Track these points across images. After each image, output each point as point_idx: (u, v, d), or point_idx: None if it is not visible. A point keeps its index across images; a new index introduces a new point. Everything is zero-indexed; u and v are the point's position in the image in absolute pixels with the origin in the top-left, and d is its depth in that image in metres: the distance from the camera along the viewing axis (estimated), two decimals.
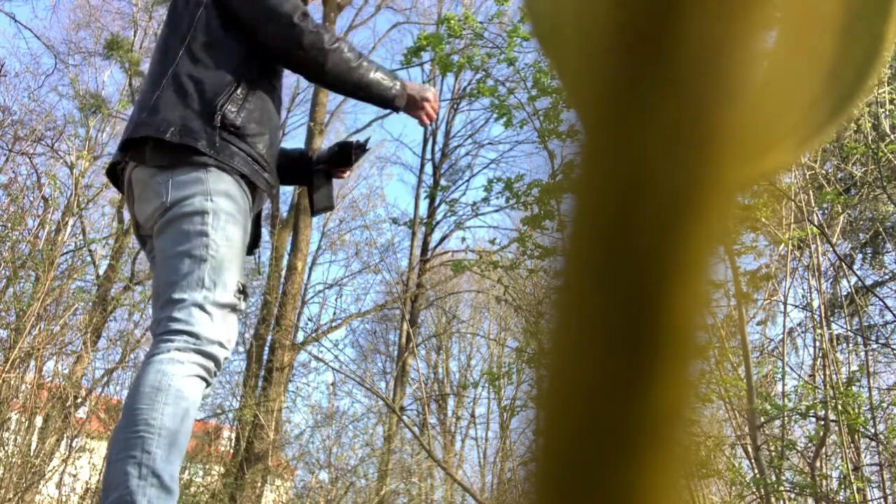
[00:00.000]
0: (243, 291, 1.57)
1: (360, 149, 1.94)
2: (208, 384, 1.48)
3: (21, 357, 5.25)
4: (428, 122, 1.88)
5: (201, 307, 1.47)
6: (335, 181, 2.01)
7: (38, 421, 5.95)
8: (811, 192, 3.79)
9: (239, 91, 1.61)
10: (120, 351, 7.92)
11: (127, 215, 12.44)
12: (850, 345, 5.29)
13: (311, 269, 11.56)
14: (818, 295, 3.97)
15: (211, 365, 1.47)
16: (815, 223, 3.78)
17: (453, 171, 13.21)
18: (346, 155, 1.94)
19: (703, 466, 0.18)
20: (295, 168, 1.96)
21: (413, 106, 1.83)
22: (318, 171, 1.95)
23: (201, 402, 1.53)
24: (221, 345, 1.48)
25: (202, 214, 1.51)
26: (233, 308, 1.53)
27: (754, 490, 3.41)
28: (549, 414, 0.18)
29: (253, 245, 1.89)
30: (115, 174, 1.70)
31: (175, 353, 1.42)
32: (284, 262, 10.46)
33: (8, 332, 5.41)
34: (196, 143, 1.53)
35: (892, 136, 3.78)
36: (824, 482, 3.85)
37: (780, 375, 3.92)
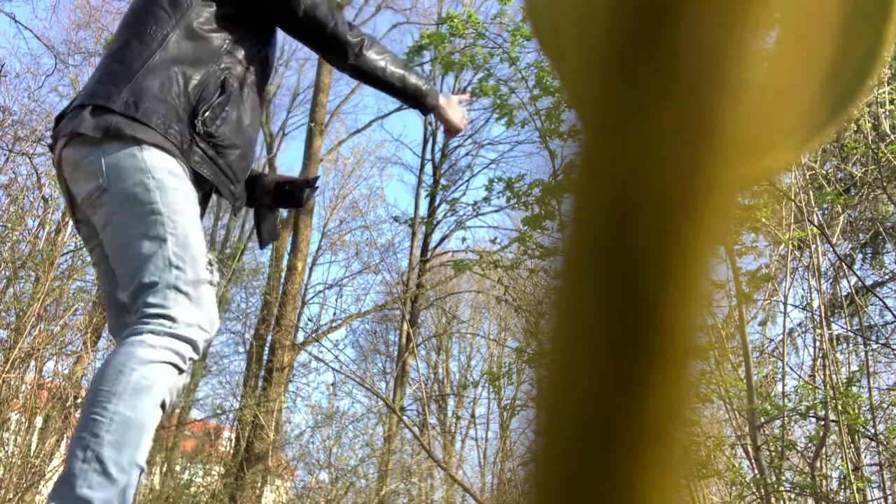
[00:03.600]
0: (212, 264, 1.49)
1: (311, 187, 1.87)
2: (182, 371, 1.40)
3: (21, 357, 5.25)
4: (452, 135, 1.90)
5: (176, 288, 1.40)
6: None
7: (38, 421, 5.95)
8: (811, 192, 3.79)
9: (222, 98, 1.56)
10: None
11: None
12: (850, 345, 5.29)
13: (311, 269, 11.57)
14: (818, 295, 3.97)
15: (187, 350, 1.40)
16: (815, 223, 3.78)
17: (453, 172, 13.22)
18: (298, 197, 1.87)
19: (703, 466, 0.18)
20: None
21: (449, 113, 1.83)
22: (262, 205, 1.88)
23: (175, 392, 1.46)
24: (201, 327, 1.42)
25: (147, 192, 1.43)
26: (209, 283, 1.45)
27: (754, 490, 3.41)
28: (549, 414, 0.18)
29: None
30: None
31: (148, 335, 1.36)
32: (284, 262, 10.46)
33: (8, 333, 5.41)
34: (176, 143, 1.48)
35: (892, 136, 3.78)
36: (824, 482, 3.85)
37: (780, 376, 3.92)
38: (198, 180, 1.56)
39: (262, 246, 1.93)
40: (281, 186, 1.87)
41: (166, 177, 1.45)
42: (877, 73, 0.24)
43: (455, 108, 1.85)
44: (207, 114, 1.53)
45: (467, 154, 13.35)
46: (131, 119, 1.45)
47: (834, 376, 3.79)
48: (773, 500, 3.36)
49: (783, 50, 0.20)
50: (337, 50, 1.69)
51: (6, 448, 5.46)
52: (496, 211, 10.43)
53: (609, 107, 0.18)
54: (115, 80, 1.49)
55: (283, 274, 10.29)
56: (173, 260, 1.41)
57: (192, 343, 1.40)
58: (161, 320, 1.37)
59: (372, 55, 1.70)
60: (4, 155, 6.20)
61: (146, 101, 1.47)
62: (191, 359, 1.42)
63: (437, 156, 13.17)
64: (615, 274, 0.18)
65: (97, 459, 1.27)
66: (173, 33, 1.55)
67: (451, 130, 1.88)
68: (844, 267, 4.74)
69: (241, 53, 1.61)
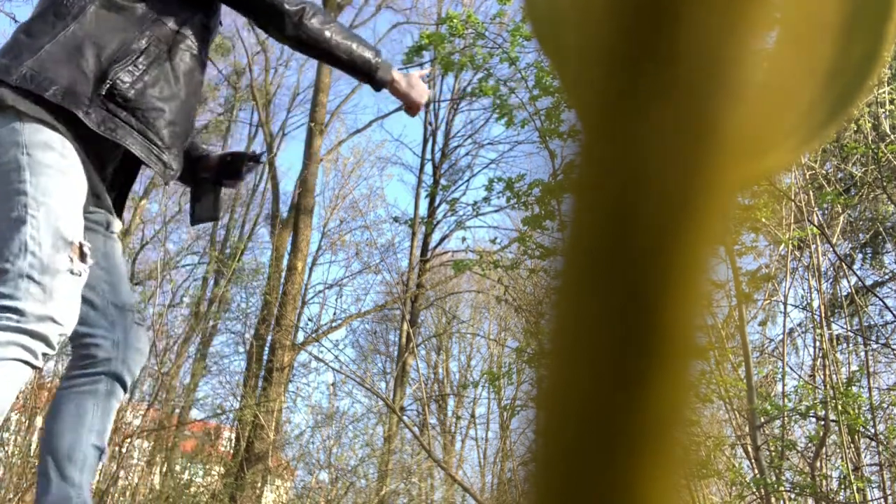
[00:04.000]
0: (82, 252, 1.39)
1: (255, 161, 1.79)
2: (35, 367, 1.33)
3: None
4: (414, 112, 1.77)
5: (29, 277, 1.30)
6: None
7: (39, 421, 5.95)
8: (811, 192, 3.79)
9: (141, 59, 1.45)
10: None
11: (128, 215, 12.45)
12: (850, 345, 5.29)
13: (311, 269, 11.56)
14: (818, 295, 3.97)
15: (39, 346, 1.32)
16: (815, 223, 3.78)
17: (453, 172, 13.21)
18: (237, 168, 1.77)
19: (703, 466, 0.18)
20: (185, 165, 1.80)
21: (406, 88, 1.70)
22: (204, 179, 1.79)
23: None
24: (53, 320, 1.32)
25: (18, 170, 1.34)
26: (69, 272, 1.35)
27: (754, 490, 3.41)
28: (549, 414, 0.18)
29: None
30: None
31: None
32: (284, 262, 10.47)
33: None
34: (77, 109, 1.38)
35: (892, 136, 3.78)
36: (824, 482, 3.85)
37: (780, 375, 3.92)
38: (111, 147, 1.48)
39: (192, 222, 1.81)
40: (223, 159, 1.79)
41: (42, 154, 1.36)
42: (877, 73, 0.24)
43: (414, 83, 1.72)
44: (120, 75, 1.43)
45: (467, 154, 13.36)
46: (23, 91, 1.37)
47: (834, 376, 3.79)
48: (773, 500, 3.36)
49: (783, 50, 0.20)
50: (273, 18, 1.58)
51: (6, 448, 5.46)
52: (496, 211, 10.42)
53: (609, 107, 0.18)
54: (18, 52, 1.42)
55: (283, 274, 10.29)
56: (29, 245, 1.32)
57: (43, 338, 1.32)
58: (9, 314, 1.29)
59: (314, 24, 1.58)
60: None
61: (46, 72, 1.39)
62: (44, 354, 1.34)
63: (437, 156, 13.18)
64: (615, 274, 0.18)
65: None
66: (91, 5, 1.46)
67: (412, 107, 1.75)
68: (844, 267, 4.74)
69: (170, 20, 1.52)
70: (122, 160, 1.60)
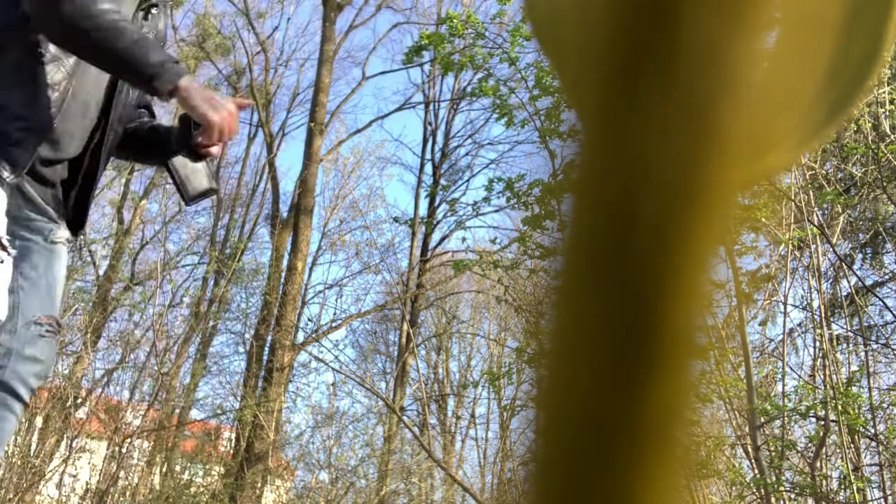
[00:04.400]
0: (1, 243, 1.38)
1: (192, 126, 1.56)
2: None
3: None
4: (218, 140, 1.46)
5: None
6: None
7: (38, 421, 5.96)
8: (811, 192, 3.79)
9: None
10: (120, 351, 7.93)
11: (128, 215, 12.44)
12: (850, 345, 5.29)
13: (311, 269, 11.57)
14: (818, 295, 3.97)
15: None
16: (815, 223, 3.78)
17: (453, 172, 13.22)
18: (186, 130, 1.54)
19: (703, 466, 0.18)
20: (159, 146, 1.68)
21: (197, 101, 1.41)
22: (175, 153, 1.63)
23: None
24: None
25: None
26: None
27: (754, 490, 3.40)
28: (549, 414, 0.18)
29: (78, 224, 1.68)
30: None
31: None
32: (284, 262, 10.47)
33: None
34: None
35: (892, 136, 3.78)
36: (824, 482, 3.85)
37: (780, 376, 3.92)
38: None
39: (188, 201, 1.64)
40: (175, 128, 1.61)
41: None
42: (877, 73, 0.24)
43: (211, 97, 1.44)
44: None
45: (467, 154, 13.36)
46: None
47: (834, 376, 3.79)
48: (773, 500, 3.36)
49: (783, 50, 0.20)
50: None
51: (6, 448, 5.46)
52: (496, 211, 10.42)
53: (609, 107, 0.18)
54: None
55: (283, 274, 10.29)
56: None
57: None
58: None
59: (83, 9, 1.34)
60: None
61: None
62: None
63: (437, 156, 13.18)
64: (615, 274, 0.18)
65: None
66: None
67: (206, 127, 1.44)
68: (844, 267, 4.74)
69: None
70: (69, 164, 1.55)
